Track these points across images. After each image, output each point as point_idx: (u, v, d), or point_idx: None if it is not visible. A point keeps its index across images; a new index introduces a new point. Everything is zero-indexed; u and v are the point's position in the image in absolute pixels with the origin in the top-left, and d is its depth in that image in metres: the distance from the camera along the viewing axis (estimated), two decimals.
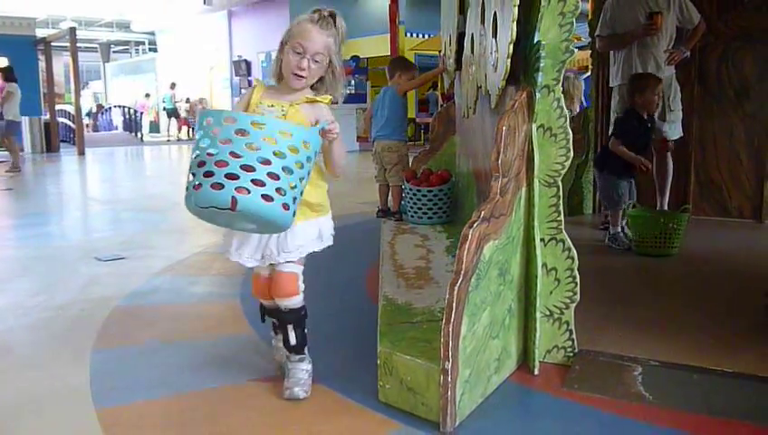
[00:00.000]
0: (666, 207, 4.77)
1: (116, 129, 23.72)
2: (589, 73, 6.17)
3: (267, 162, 1.83)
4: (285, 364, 2.32)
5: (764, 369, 2.31)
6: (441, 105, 6.24)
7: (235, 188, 1.80)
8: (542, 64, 2.32)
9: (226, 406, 2.21)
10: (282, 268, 2.20)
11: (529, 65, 2.38)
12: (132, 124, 22.74)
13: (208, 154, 1.85)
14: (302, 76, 2.10)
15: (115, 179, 11.10)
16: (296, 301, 2.24)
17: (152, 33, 27.52)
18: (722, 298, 3.16)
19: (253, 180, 1.81)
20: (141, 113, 23.56)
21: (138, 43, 33.52)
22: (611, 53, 4.91)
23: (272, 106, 2.12)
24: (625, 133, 4.24)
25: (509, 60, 2.37)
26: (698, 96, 5.18)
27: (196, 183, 1.86)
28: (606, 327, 2.73)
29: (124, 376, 2.48)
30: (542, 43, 2.32)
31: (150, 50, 30.30)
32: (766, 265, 3.66)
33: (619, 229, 4.28)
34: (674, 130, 4.71)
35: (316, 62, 2.09)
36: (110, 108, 25.61)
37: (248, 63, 20.46)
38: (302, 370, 2.28)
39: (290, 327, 2.25)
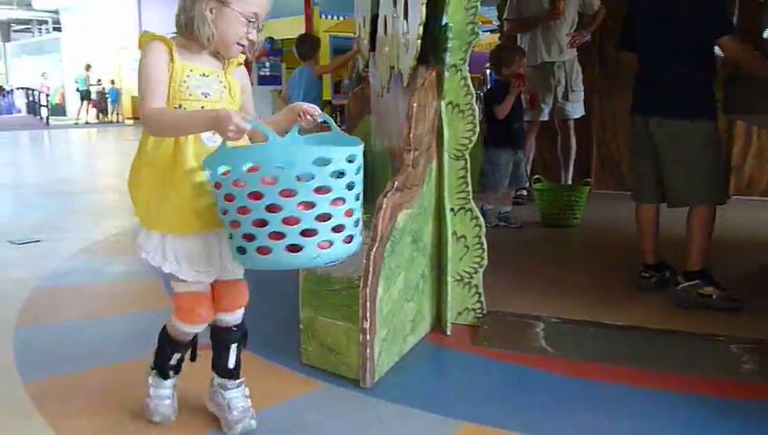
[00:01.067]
0: (570, 182, 5.06)
1: (19, 112, 22.73)
2: None
3: (341, 200, 1.52)
4: (218, 396, 1.93)
5: (648, 321, 2.59)
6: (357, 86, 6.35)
7: (318, 245, 1.52)
8: (449, 45, 2.48)
9: None
10: (236, 275, 1.86)
11: (438, 46, 2.54)
12: (37, 107, 21.85)
13: (269, 210, 1.49)
14: (244, 46, 1.72)
15: (21, 164, 10.72)
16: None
17: (56, 12, 26.40)
18: (615, 263, 3.43)
19: (333, 228, 1.52)
20: (47, 95, 22.63)
21: (41, 22, 32.05)
22: (518, 36, 5.15)
23: (205, 76, 1.70)
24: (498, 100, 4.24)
25: (419, 41, 2.52)
26: (599, 77, 5.49)
27: (261, 246, 1.53)
28: (513, 290, 2.95)
29: (52, 351, 2.52)
30: (450, 25, 2.48)
31: (55, 29, 29.05)
32: None
33: (509, 208, 4.37)
34: (576, 110, 4.99)
35: (259, 31, 1.72)
36: (11, 90, 24.47)
37: None
38: (244, 396, 1.94)
39: (234, 347, 1.92)
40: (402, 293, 2.35)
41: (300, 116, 1.69)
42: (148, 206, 1.72)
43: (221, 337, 1.92)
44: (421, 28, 2.49)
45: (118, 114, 21.80)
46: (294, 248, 1.50)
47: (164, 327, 1.92)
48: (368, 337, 2.13)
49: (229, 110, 1.55)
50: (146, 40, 1.66)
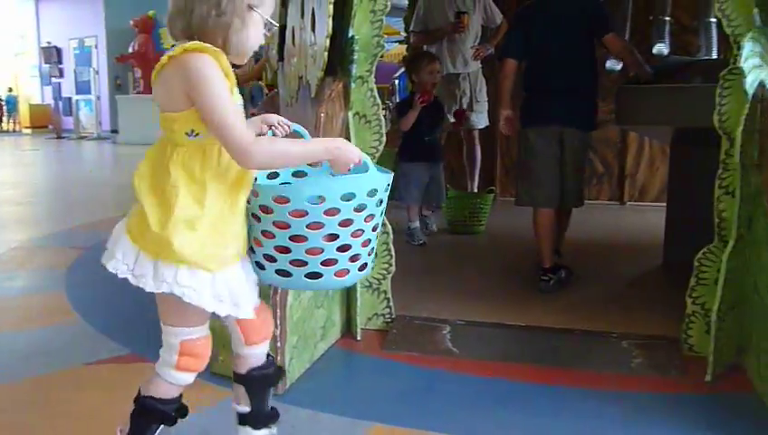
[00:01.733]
0: (476, 190, 5.22)
1: None
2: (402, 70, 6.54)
3: (360, 231, 1.50)
4: None
5: (548, 321, 2.73)
6: (266, 94, 6.33)
7: (335, 273, 1.50)
8: (355, 57, 2.55)
9: (65, 390, 2.24)
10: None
11: (344, 58, 2.60)
12: None
13: (294, 239, 1.45)
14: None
15: None
16: None
17: None
18: (518, 267, 3.58)
19: (350, 258, 1.51)
20: None
21: None
22: (424, 47, 5.28)
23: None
24: (403, 113, 4.22)
25: (326, 53, 2.57)
26: None
27: (281, 269, 1.49)
28: (420, 295, 3.04)
29: None
30: (356, 37, 2.55)
31: None
32: None
33: (417, 224, 4.27)
34: (481, 120, 5.16)
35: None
36: None
37: (59, 50, 19.25)
38: None
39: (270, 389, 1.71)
40: (312, 300, 2.39)
41: (273, 127, 1.60)
42: (204, 242, 1.41)
43: (263, 375, 1.66)
44: (328, 40, 2.55)
45: (14, 123, 20.84)
46: (313, 276, 1.50)
47: (142, 400, 1.56)
48: (278, 344, 2.15)
49: (344, 139, 1.52)
50: (196, 50, 1.35)
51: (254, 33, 1.45)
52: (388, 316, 2.71)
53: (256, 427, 1.68)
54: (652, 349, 2.49)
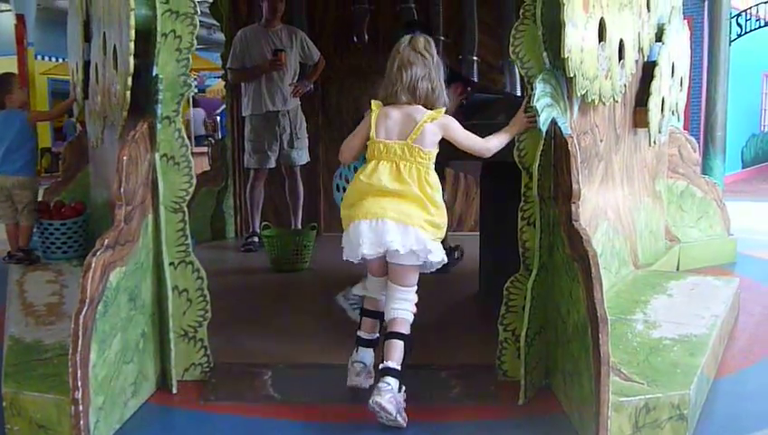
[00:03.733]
0: (299, 226, 5.19)
1: None
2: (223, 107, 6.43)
3: None
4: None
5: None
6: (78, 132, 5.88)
7: None
8: (160, 97, 2.44)
9: None
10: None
11: (149, 97, 2.48)
12: None
13: None
14: None
15: None
16: None
17: None
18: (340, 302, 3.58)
19: None
20: None
21: None
22: (243, 84, 5.21)
23: None
24: None
25: (128, 92, 2.44)
26: (323, 125, 5.74)
27: None
28: (242, 339, 2.95)
29: None
30: (160, 76, 2.44)
31: None
32: None
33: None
34: (302, 156, 5.16)
35: None
36: None
37: None
38: None
39: None
40: (120, 355, 2.23)
41: None
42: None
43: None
44: (130, 79, 2.42)
45: None
46: None
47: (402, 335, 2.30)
48: (80, 408, 1.97)
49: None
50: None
51: None
52: (206, 365, 2.59)
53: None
54: (469, 377, 2.57)
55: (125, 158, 2.27)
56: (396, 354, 2.26)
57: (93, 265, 2.05)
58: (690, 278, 3.69)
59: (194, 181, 2.51)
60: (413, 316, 2.34)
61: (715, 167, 8.97)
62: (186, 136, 2.52)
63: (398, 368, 2.24)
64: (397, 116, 2.34)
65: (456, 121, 2.39)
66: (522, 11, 2.47)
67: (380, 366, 2.26)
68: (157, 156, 2.46)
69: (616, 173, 3.30)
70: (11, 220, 4.38)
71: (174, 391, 2.50)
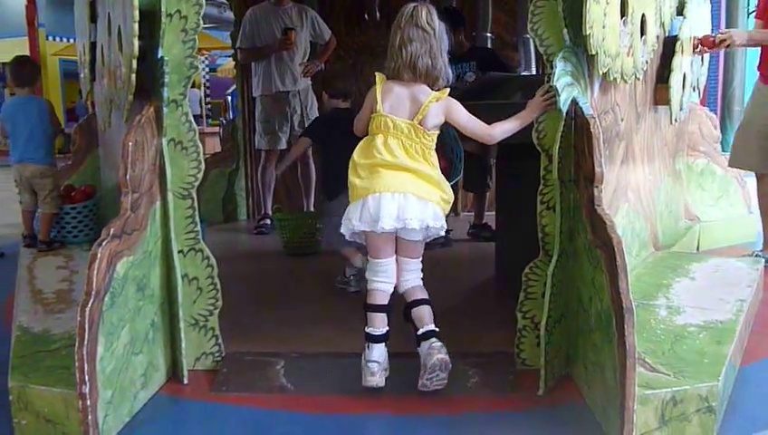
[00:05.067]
0: (312, 208, 5.13)
1: None
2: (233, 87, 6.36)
3: None
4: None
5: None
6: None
7: None
8: (166, 80, 2.36)
9: None
10: None
11: (155, 80, 2.41)
12: None
13: None
14: None
15: None
16: None
17: None
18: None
19: None
20: None
21: None
22: (253, 64, 5.13)
23: None
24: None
25: (133, 75, 2.36)
26: None
27: None
28: (254, 328, 2.88)
29: None
30: (166, 59, 2.36)
31: None
32: None
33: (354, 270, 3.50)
34: None
35: None
36: None
37: None
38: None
39: None
40: (128, 347, 2.17)
41: None
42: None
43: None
44: (135, 62, 2.34)
45: None
46: None
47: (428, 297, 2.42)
48: (88, 402, 1.92)
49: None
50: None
51: None
52: (217, 355, 2.53)
53: None
54: (487, 367, 2.49)
55: (131, 143, 2.19)
56: (428, 316, 2.37)
57: (99, 255, 1.98)
58: (712, 260, 3.60)
59: (202, 166, 2.43)
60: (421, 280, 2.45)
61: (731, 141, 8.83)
62: (193, 120, 2.43)
63: (436, 329, 2.35)
64: (402, 93, 2.33)
65: (460, 105, 2.37)
66: None
67: (421, 331, 2.34)
68: (164, 141, 2.39)
69: (636, 153, 3.20)
70: (31, 208, 4.32)
71: (185, 381, 2.44)
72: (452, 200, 2.39)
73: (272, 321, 3.00)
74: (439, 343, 2.30)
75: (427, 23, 2.31)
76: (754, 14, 4.49)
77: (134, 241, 2.19)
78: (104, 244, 2.02)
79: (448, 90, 2.36)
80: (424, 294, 2.41)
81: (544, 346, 2.31)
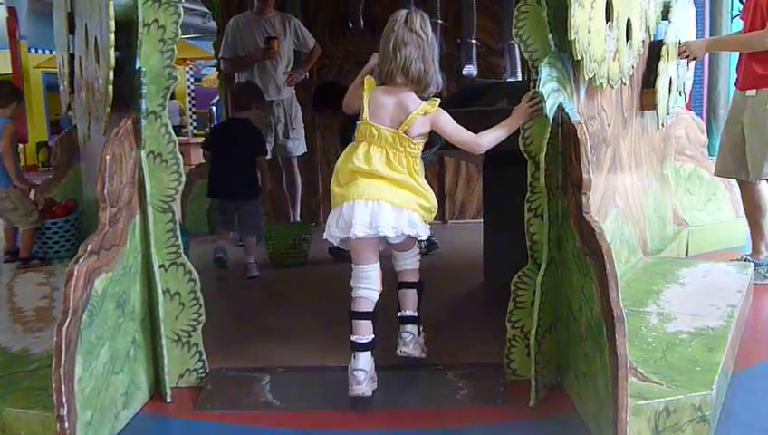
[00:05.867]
0: (298, 219, 5.07)
1: None
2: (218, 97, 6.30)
3: None
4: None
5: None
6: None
7: None
8: (144, 91, 2.31)
9: None
10: None
11: (133, 92, 2.35)
12: None
13: None
14: None
15: None
16: None
17: None
18: (339, 299, 3.44)
19: None
20: None
21: None
22: (236, 74, 5.07)
23: None
24: None
25: (110, 87, 2.31)
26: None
27: None
28: (238, 342, 2.82)
29: None
30: (144, 69, 2.31)
31: None
32: None
33: (250, 259, 4.10)
34: (298, 147, 5.02)
35: None
36: None
37: None
38: None
39: None
40: (108, 366, 2.11)
41: None
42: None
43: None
44: (112, 73, 2.29)
45: None
46: None
47: (417, 281, 2.55)
48: (66, 425, 1.86)
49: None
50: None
51: None
52: (201, 371, 2.47)
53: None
54: (477, 377, 2.45)
55: (108, 157, 2.14)
56: (411, 302, 2.49)
57: (76, 272, 1.93)
58: (702, 265, 3.57)
59: (183, 179, 2.38)
60: (419, 263, 2.54)
61: (716, 145, 8.84)
62: (172, 131, 2.38)
63: (416, 314, 2.48)
64: (389, 102, 2.33)
65: (447, 115, 2.37)
66: None
67: (399, 315, 2.48)
68: (143, 153, 2.33)
69: (624, 158, 3.18)
70: (10, 225, 4.26)
71: (168, 399, 2.38)
72: (434, 208, 2.40)
73: (257, 335, 2.93)
74: (410, 335, 2.46)
75: (421, 28, 2.32)
76: (739, 15, 4.50)
77: (113, 257, 2.14)
78: (81, 261, 1.96)
79: (438, 100, 2.36)
80: (413, 278, 2.51)
81: (534, 356, 2.27)
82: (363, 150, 2.31)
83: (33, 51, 15.70)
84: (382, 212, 2.26)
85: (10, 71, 14.42)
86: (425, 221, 2.37)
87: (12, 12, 14.08)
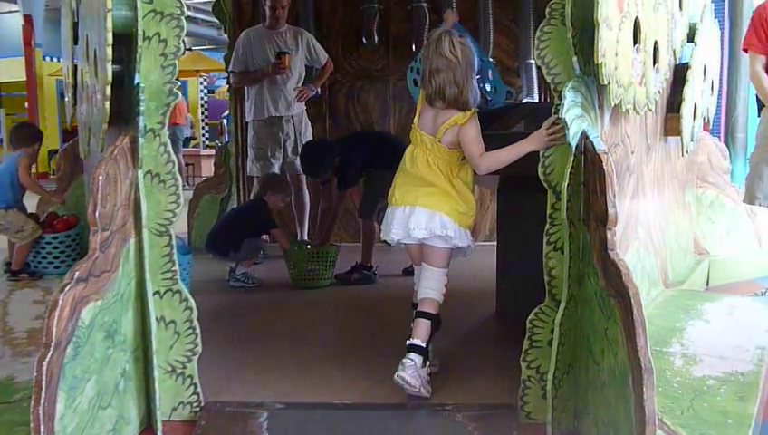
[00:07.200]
0: (306, 237, 4.94)
1: None
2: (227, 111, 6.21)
3: None
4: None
5: (378, 394, 2.44)
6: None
7: None
8: (142, 108, 2.18)
9: None
10: None
11: (132, 108, 2.23)
12: None
13: None
14: None
15: None
16: None
17: None
18: (347, 328, 3.30)
19: None
20: None
21: None
22: (246, 88, 4.97)
23: None
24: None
25: (107, 102, 2.19)
26: (330, 130, 5.49)
27: None
28: (235, 374, 2.67)
29: None
30: (143, 85, 2.19)
31: None
32: (376, 298, 3.97)
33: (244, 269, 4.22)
34: None
35: None
36: None
37: None
38: None
39: None
40: (95, 400, 1.97)
41: None
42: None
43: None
44: (109, 88, 2.17)
45: None
46: None
47: (433, 313, 2.50)
48: None
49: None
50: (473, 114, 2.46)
51: None
52: (195, 404, 2.32)
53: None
54: (488, 420, 2.29)
55: (101, 178, 2.01)
56: (422, 332, 2.44)
57: (61, 302, 1.79)
58: (726, 299, 3.41)
59: (181, 201, 2.25)
60: (442, 297, 2.53)
61: (736, 170, 8.65)
62: (171, 151, 2.25)
63: (423, 345, 2.42)
64: (431, 112, 2.50)
65: (475, 127, 2.43)
66: (548, 10, 2.20)
67: (407, 343, 2.44)
68: (140, 173, 2.21)
69: (647, 186, 3.03)
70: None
71: (159, 434, 2.24)
72: (471, 213, 2.50)
73: (258, 365, 2.77)
74: (411, 362, 2.37)
75: (450, 51, 2.40)
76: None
77: (103, 284, 2.00)
78: (67, 289, 1.83)
79: (471, 111, 2.44)
80: (431, 309, 2.49)
81: (551, 400, 2.11)
82: (409, 153, 2.52)
83: (47, 59, 15.73)
84: (414, 215, 2.43)
85: (24, 78, 14.45)
86: (460, 225, 2.45)
87: (27, 20, 14.12)
